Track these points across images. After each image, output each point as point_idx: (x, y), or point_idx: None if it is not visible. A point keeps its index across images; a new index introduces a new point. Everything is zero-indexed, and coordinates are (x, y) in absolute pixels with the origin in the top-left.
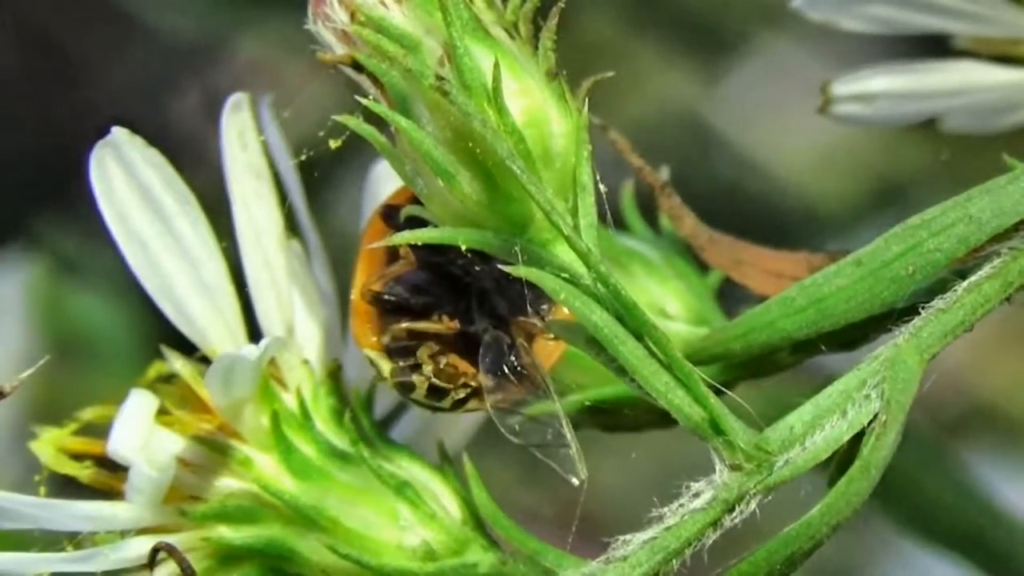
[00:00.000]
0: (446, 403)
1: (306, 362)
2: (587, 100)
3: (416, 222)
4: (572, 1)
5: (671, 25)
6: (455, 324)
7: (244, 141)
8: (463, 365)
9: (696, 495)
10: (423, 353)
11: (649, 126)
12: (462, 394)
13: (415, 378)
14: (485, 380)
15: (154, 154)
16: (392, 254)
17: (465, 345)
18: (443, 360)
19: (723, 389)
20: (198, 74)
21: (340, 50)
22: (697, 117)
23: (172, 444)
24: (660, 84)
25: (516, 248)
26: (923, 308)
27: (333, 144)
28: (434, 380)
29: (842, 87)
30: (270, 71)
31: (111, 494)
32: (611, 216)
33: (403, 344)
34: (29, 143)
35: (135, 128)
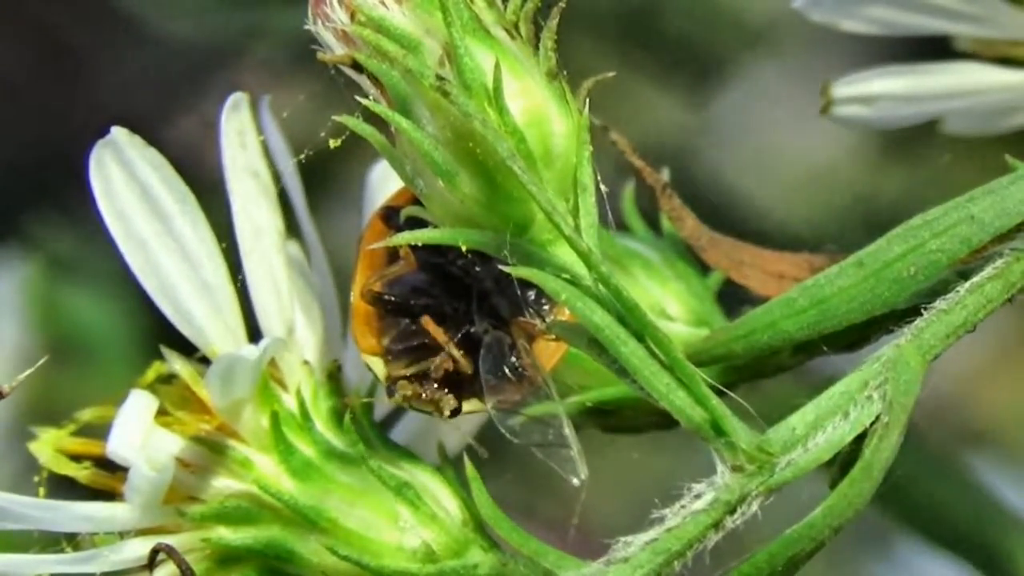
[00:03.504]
0: (432, 410)
1: (306, 363)
2: (588, 101)
3: (416, 223)
4: (560, 24)
5: (657, 50)
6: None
7: (243, 141)
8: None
9: (697, 496)
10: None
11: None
12: (444, 413)
13: (400, 386)
14: (486, 381)
15: (153, 154)
16: (392, 255)
17: (465, 346)
18: (433, 374)
19: (724, 390)
20: (198, 74)
21: (340, 50)
22: (684, 141)
23: (171, 444)
24: (646, 110)
25: (516, 248)
26: (925, 309)
27: (333, 144)
28: (419, 392)
29: (843, 88)
30: (270, 71)
31: (110, 495)
32: (612, 217)
33: (401, 348)
34: (28, 143)
35: (134, 128)
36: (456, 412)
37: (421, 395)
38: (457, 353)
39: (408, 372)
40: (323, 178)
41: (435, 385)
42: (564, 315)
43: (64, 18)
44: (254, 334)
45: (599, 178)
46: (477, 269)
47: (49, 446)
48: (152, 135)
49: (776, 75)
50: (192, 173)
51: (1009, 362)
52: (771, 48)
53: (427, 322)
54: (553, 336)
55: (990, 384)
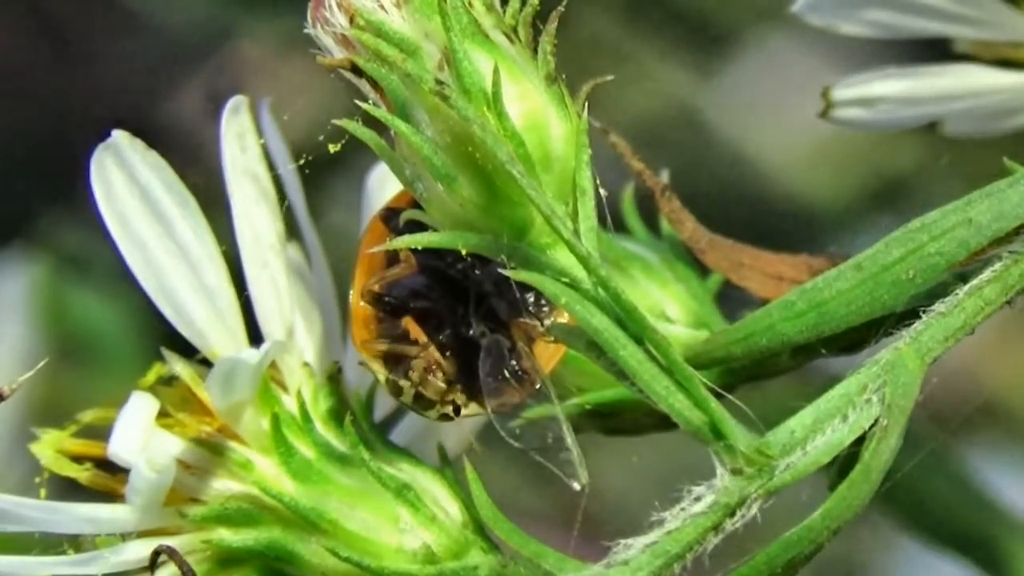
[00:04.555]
0: (432, 414)
1: (306, 364)
2: (586, 103)
3: (416, 226)
4: (567, 1)
5: (668, 22)
6: (447, 338)
7: (243, 144)
8: (451, 374)
9: (697, 499)
10: (417, 365)
11: (645, 123)
12: (448, 408)
13: (403, 384)
14: (485, 383)
15: (154, 157)
16: (392, 258)
17: (464, 349)
18: (435, 372)
19: (724, 393)
20: (199, 75)
21: (339, 54)
22: (694, 114)
23: (172, 446)
24: (657, 81)
25: (516, 252)
26: (923, 312)
27: (332, 148)
28: (420, 390)
29: (843, 91)
30: (270, 73)
31: (111, 496)
32: (611, 219)
33: (400, 350)
34: (31, 143)
35: (136, 128)
36: (448, 417)
37: (423, 395)
38: (437, 355)
39: (403, 373)
40: (323, 181)
41: (440, 385)
42: (563, 317)
43: (66, 14)
44: (254, 336)
45: (598, 181)
46: (476, 272)
47: (51, 447)
48: (154, 132)
49: (788, 47)
50: (193, 175)
51: (1014, 337)
52: (783, 20)
53: (408, 323)
54: (552, 339)
55: (994, 364)
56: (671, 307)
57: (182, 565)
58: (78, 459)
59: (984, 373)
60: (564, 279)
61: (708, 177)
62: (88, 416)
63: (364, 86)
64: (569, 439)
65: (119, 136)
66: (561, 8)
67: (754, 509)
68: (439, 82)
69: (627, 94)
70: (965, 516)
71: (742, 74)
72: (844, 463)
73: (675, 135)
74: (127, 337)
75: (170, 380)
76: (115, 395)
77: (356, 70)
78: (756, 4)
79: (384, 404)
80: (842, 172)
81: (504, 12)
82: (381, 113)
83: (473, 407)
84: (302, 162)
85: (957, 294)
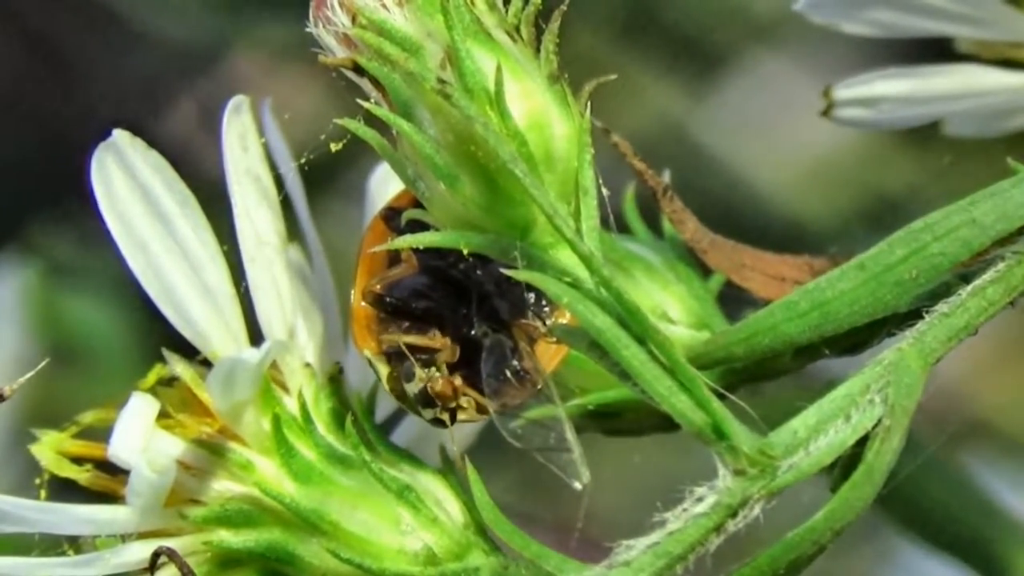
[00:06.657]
0: (434, 414)
1: (308, 365)
2: (589, 104)
3: (417, 225)
4: (563, 14)
5: (661, 41)
6: (447, 341)
7: (245, 144)
8: (456, 381)
9: (699, 500)
10: (419, 368)
11: (638, 142)
12: (450, 407)
13: (408, 387)
14: (487, 384)
15: (155, 157)
16: (393, 257)
17: (466, 349)
18: (437, 374)
19: (726, 393)
20: (198, 77)
21: (341, 53)
22: (687, 132)
23: (173, 447)
24: (650, 99)
25: (518, 252)
26: (927, 312)
27: (334, 147)
28: (426, 390)
29: (844, 91)
30: (271, 73)
31: (111, 497)
32: (613, 220)
33: (401, 350)
34: (26, 147)
35: (134, 131)
36: (442, 423)
37: (428, 394)
38: (447, 344)
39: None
40: (324, 180)
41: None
42: (565, 317)
43: (59, 21)
44: (255, 336)
45: (600, 180)
46: (478, 272)
47: (50, 448)
48: (151, 137)
49: (782, 67)
50: (192, 175)
51: (1010, 357)
52: (777, 40)
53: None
54: (554, 339)
55: (991, 379)
56: (673, 307)
57: (182, 566)
58: (78, 460)
59: (981, 393)
60: (566, 279)
61: (701, 196)
62: (88, 417)
63: (366, 85)
64: (571, 439)
65: (119, 135)
66: (564, 7)
67: (756, 510)
68: (441, 81)
69: (620, 113)
70: (965, 521)
71: (735, 94)
72: (847, 464)
73: (668, 155)
74: (126, 338)
75: (170, 381)
76: (115, 396)
77: (358, 69)
78: (749, 24)
79: (385, 405)
80: (835, 191)
81: (506, 11)
82: (383, 112)
83: (472, 412)
84: (304, 162)
85: (960, 294)
